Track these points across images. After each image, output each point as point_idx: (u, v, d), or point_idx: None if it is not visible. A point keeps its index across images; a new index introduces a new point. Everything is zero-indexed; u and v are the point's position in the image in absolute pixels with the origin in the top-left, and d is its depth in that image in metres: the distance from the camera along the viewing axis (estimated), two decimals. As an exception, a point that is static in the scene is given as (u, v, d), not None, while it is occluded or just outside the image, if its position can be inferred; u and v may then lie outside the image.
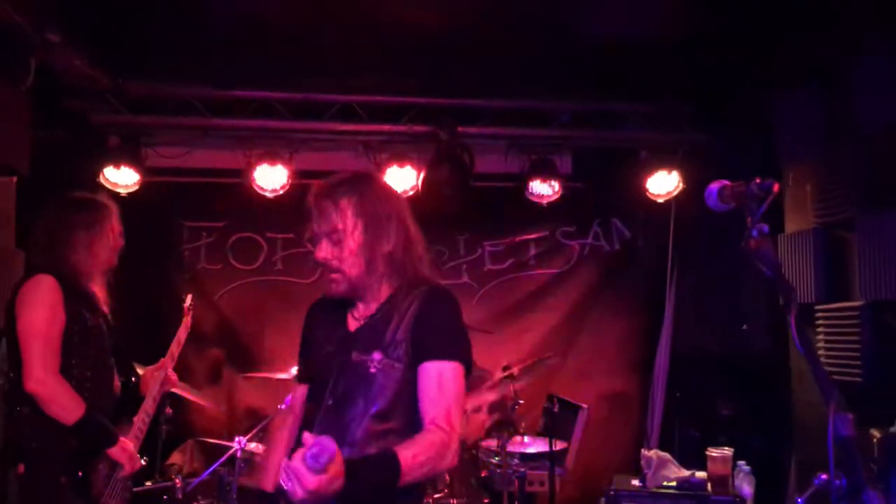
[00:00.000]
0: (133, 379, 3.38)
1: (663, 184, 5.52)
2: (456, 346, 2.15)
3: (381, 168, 5.31)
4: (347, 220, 2.17)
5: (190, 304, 3.94)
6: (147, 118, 5.12)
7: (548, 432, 4.25)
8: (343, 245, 2.17)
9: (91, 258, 3.11)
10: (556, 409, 4.23)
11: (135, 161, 5.13)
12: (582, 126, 5.50)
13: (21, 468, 2.89)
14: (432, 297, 2.18)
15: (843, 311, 4.01)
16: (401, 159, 5.27)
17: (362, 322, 2.24)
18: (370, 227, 2.18)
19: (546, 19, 4.30)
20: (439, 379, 2.07)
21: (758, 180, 1.56)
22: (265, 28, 4.32)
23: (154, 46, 4.59)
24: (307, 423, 2.20)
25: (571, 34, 4.44)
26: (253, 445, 4.04)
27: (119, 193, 5.03)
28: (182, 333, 3.73)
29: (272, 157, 5.21)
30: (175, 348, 3.64)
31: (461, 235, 5.97)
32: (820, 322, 4.20)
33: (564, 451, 4.63)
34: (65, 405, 2.90)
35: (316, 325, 2.38)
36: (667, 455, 4.16)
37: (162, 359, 3.54)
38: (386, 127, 5.27)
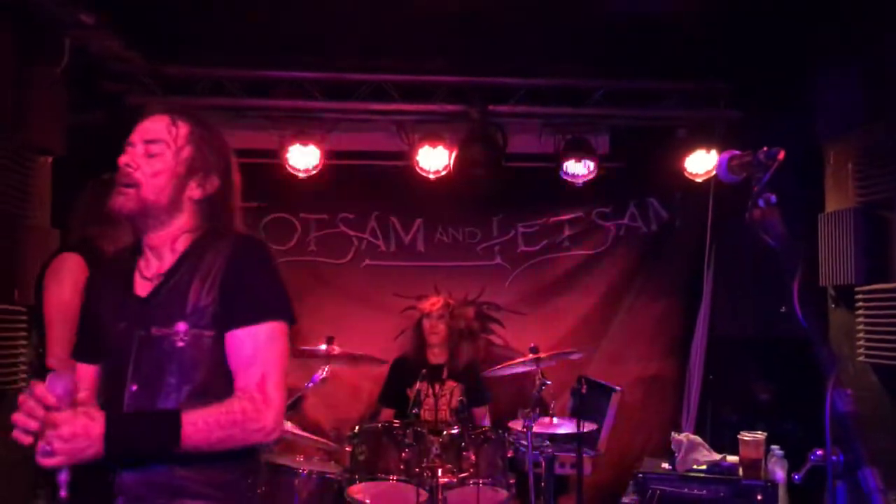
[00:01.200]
0: None
1: (702, 163, 5.39)
2: (269, 305, 1.89)
3: (413, 147, 5.29)
4: (178, 138, 1.93)
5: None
6: (181, 99, 5.15)
7: (576, 414, 4.20)
8: (157, 160, 1.90)
9: (121, 238, 3.15)
10: (584, 391, 4.17)
11: (170, 142, 5.18)
12: (618, 104, 5.40)
13: None
14: (241, 250, 1.91)
15: (885, 293, 3.88)
16: (433, 139, 5.24)
17: (156, 283, 1.92)
18: (196, 160, 1.95)
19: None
20: (253, 344, 1.83)
21: (765, 149, 1.50)
22: (297, 8, 4.32)
23: (188, 28, 4.62)
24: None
25: (606, 10, 4.35)
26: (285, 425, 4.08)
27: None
28: None
29: (305, 138, 5.22)
30: None
31: (494, 216, 5.93)
32: (860, 304, 4.07)
33: (596, 434, 4.58)
34: None
35: (100, 295, 2.01)
36: (698, 438, 4.09)
37: None
38: (418, 106, 5.25)
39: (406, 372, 4.83)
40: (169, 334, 1.84)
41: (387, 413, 4.92)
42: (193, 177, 1.94)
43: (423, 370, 4.50)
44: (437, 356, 4.96)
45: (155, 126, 1.94)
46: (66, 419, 1.62)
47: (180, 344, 1.83)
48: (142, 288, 1.93)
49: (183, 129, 1.94)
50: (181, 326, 1.84)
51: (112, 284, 1.99)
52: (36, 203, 4.11)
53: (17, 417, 1.64)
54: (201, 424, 1.72)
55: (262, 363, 1.83)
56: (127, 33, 4.52)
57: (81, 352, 2.07)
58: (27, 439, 1.63)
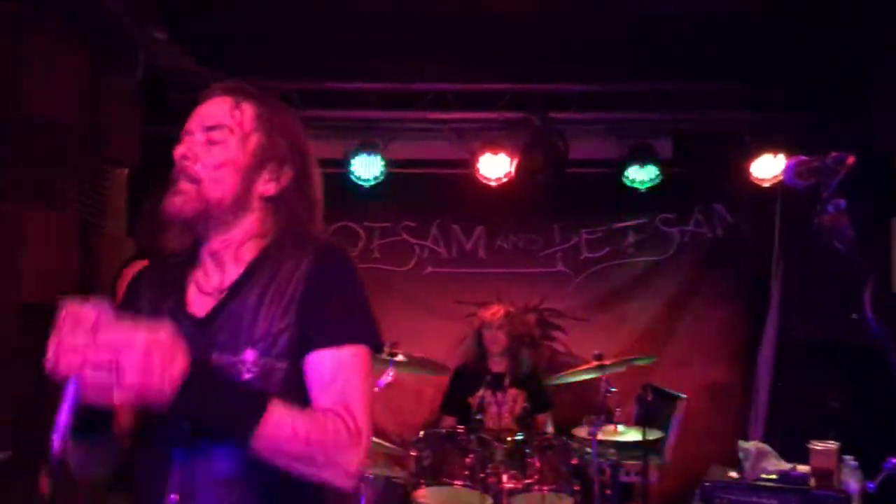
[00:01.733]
0: None
1: (768, 167, 5.29)
2: (356, 324, 1.56)
3: (474, 155, 5.32)
4: (244, 122, 1.59)
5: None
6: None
7: (642, 422, 4.16)
8: (222, 149, 1.56)
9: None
10: (649, 399, 4.14)
11: (238, 153, 5.32)
12: (682, 108, 5.33)
13: None
14: (324, 260, 1.56)
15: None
16: (494, 146, 5.27)
17: (217, 299, 1.55)
18: (266, 149, 1.60)
19: (641, -1, 4.21)
20: (335, 368, 1.50)
21: (833, 154, 1.48)
22: (359, 21, 4.41)
23: (252, 42, 4.75)
24: (149, 459, 1.51)
25: (668, 11, 4.32)
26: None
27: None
28: None
29: (368, 147, 5.31)
30: None
31: (556, 223, 5.92)
32: (936, 310, 3.94)
33: (662, 442, 4.54)
34: None
35: (141, 309, 1.60)
36: (766, 447, 4.01)
37: None
38: (478, 114, 5.28)
39: (467, 380, 4.85)
40: (235, 363, 1.47)
41: (448, 421, 4.95)
42: (264, 169, 1.60)
43: (487, 377, 4.52)
44: (498, 364, 4.97)
45: (216, 110, 1.59)
46: (142, 341, 1.25)
47: (247, 376, 1.47)
48: (199, 305, 1.56)
49: (249, 111, 1.60)
50: (249, 355, 1.48)
51: (160, 298, 1.61)
52: (112, 213, 4.27)
53: (64, 339, 1.24)
54: (288, 423, 1.38)
55: (347, 389, 1.49)
56: (196, 48, 4.67)
57: None
58: (72, 365, 1.24)
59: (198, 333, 1.48)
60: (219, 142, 1.56)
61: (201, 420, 1.38)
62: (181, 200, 1.52)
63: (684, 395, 4.77)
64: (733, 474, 3.97)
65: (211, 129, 1.56)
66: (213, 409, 1.36)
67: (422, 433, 4.08)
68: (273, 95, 1.71)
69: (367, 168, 5.34)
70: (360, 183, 5.36)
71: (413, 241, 5.90)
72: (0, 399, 3.17)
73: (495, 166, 5.29)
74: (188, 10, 4.28)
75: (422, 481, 3.91)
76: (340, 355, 1.51)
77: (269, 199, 1.62)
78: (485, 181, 5.34)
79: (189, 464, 1.45)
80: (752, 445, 4.00)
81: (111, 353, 1.23)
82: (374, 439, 4.14)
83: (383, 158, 5.31)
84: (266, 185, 1.61)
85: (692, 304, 5.80)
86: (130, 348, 1.23)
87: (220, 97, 1.61)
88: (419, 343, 5.01)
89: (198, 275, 1.61)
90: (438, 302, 5.80)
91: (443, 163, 5.67)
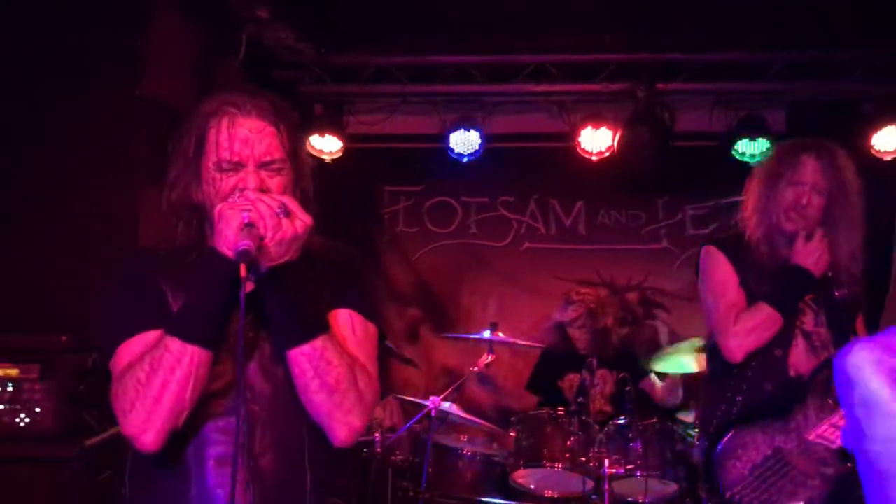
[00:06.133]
0: None
1: (891, 140, 4.97)
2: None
3: (575, 128, 5.18)
4: (287, 149, 1.68)
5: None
6: (349, 87, 5.31)
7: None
8: (286, 178, 1.68)
9: None
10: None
11: (338, 128, 5.35)
12: (798, 78, 5.06)
13: None
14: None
15: None
16: (596, 119, 5.11)
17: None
18: (301, 165, 1.75)
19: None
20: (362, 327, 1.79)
21: None
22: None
23: (354, 17, 4.74)
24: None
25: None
26: (447, 405, 4.13)
27: (324, 160, 5.28)
28: None
29: (466, 122, 5.24)
30: None
31: (660, 198, 5.72)
32: None
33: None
34: None
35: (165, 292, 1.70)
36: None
37: None
38: (580, 86, 5.14)
39: (555, 363, 4.77)
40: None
41: (532, 401, 4.88)
42: (303, 179, 1.77)
43: (589, 359, 4.44)
44: (587, 350, 4.85)
45: (266, 141, 1.66)
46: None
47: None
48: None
49: (286, 132, 1.70)
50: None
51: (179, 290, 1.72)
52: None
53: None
54: (339, 348, 1.64)
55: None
56: (298, 25, 4.69)
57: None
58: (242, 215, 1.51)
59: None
60: (279, 173, 1.66)
61: (284, 302, 1.61)
62: (292, 243, 1.57)
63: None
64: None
65: (269, 164, 1.65)
66: (294, 297, 1.61)
67: (521, 413, 4.03)
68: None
69: (465, 144, 5.27)
70: (457, 158, 5.30)
71: (511, 216, 5.83)
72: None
73: (597, 140, 5.14)
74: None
75: (521, 462, 3.87)
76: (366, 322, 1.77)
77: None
78: (586, 155, 5.19)
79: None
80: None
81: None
82: (473, 418, 4.13)
83: (482, 133, 5.24)
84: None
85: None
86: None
87: (258, 120, 1.65)
88: (515, 319, 4.98)
89: None
90: (535, 278, 5.71)
91: (543, 136, 5.54)
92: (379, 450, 4.14)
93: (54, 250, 3.46)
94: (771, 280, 2.68)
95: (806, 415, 2.52)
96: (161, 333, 1.57)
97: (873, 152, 5.02)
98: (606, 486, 3.70)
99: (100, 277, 1.80)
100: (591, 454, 3.75)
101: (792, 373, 2.64)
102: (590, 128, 5.12)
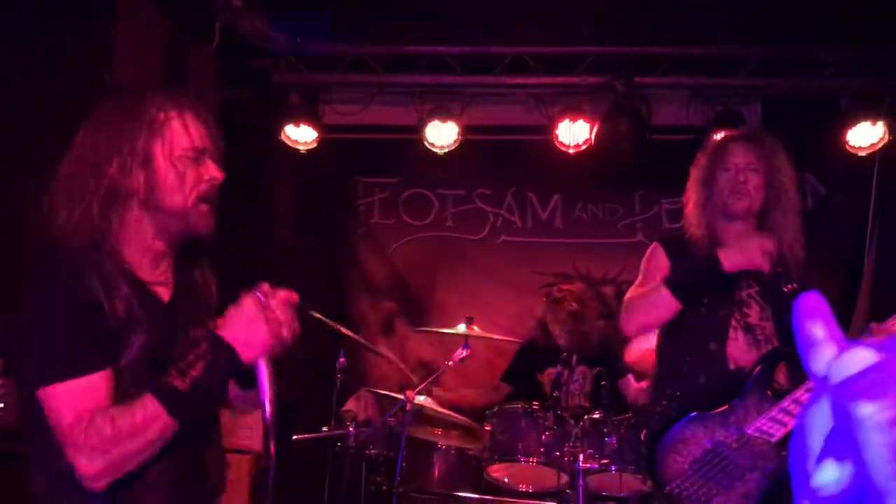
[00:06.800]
0: None
1: (866, 135, 5.00)
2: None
3: (553, 121, 5.16)
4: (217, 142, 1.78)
5: None
6: (325, 76, 5.25)
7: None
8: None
9: None
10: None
11: (313, 119, 5.29)
12: (774, 73, 5.07)
13: None
14: None
15: None
16: (574, 112, 5.09)
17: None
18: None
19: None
20: None
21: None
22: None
23: (328, 6, 4.67)
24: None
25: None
26: (422, 399, 4.10)
27: (299, 150, 5.21)
28: None
29: (443, 113, 5.19)
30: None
31: (636, 192, 5.72)
32: None
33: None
34: None
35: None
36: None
37: None
38: (558, 79, 5.11)
39: (535, 357, 4.75)
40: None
41: (505, 390, 4.86)
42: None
43: (564, 354, 4.42)
44: (569, 347, 4.84)
45: (209, 129, 1.76)
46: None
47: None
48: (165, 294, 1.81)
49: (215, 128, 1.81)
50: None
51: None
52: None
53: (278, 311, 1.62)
54: None
55: None
56: (272, 13, 4.62)
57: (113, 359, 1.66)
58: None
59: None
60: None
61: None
62: (209, 220, 1.75)
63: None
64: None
65: (205, 150, 1.72)
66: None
67: (496, 408, 4.01)
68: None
69: (441, 136, 5.23)
70: (434, 150, 5.26)
71: (487, 209, 5.79)
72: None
73: (574, 133, 5.12)
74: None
75: (496, 456, 3.85)
76: None
77: None
78: (563, 148, 5.17)
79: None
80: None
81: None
82: (448, 412, 4.10)
83: (458, 125, 5.20)
84: None
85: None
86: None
87: (205, 115, 1.76)
88: (492, 314, 4.95)
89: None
90: (512, 272, 5.68)
91: (520, 129, 5.51)
92: (352, 444, 4.10)
93: (20, 240, 3.39)
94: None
95: (746, 408, 2.49)
96: (104, 376, 1.56)
97: (849, 148, 5.06)
98: (581, 481, 3.69)
99: (37, 292, 1.66)
100: (565, 449, 3.73)
101: (732, 366, 2.62)
102: (567, 121, 5.11)
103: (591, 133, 5.08)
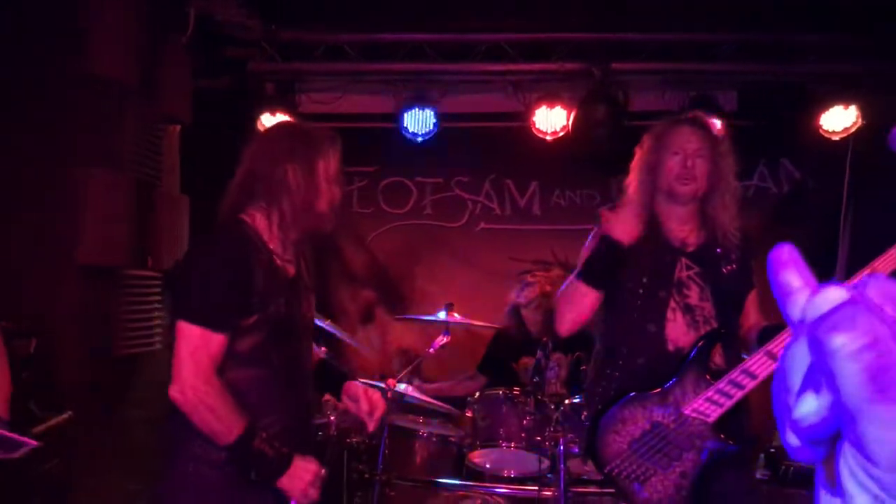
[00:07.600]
0: None
1: (839, 120, 5.05)
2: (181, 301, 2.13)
3: (530, 108, 5.16)
4: None
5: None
6: (301, 64, 5.21)
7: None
8: None
9: None
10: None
11: (290, 107, 5.25)
12: (749, 59, 5.10)
13: None
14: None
15: None
16: (551, 99, 5.10)
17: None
18: None
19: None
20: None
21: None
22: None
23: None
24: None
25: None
26: (402, 387, 4.11)
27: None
28: None
29: (421, 101, 5.18)
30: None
31: (614, 178, 5.72)
32: None
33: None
34: None
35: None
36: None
37: None
38: (536, 66, 5.11)
39: (509, 345, 4.77)
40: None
41: (482, 380, 4.87)
42: None
43: (544, 339, 4.43)
44: (540, 332, 4.86)
45: None
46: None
47: None
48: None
49: None
50: None
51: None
52: (166, 170, 4.24)
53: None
54: None
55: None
56: (248, 1, 4.57)
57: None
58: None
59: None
60: None
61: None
62: None
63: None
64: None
65: (339, 177, 2.40)
66: None
67: (477, 394, 4.02)
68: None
69: (419, 123, 5.22)
70: (412, 138, 5.25)
71: (466, 196, 5.80)
72: (58, 360, 3.18)
73: (552, 119, 5.13)
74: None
75: (477, 442, 3.87)
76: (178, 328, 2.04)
77: None
78: (540, 135, 5.18)
79: None
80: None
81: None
82: (429, 399, 4.11)
83: (436, 113, 5.19)
84: None
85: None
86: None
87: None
88: (471, 300, 4.95)
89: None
90: (491, 259, 5.70)
91: (497, 116, 5.51)
92: (334, 432, 4.10)
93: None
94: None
95: (684, 389, 2.51)
96: (220, 339, 2.01)
97: (822, 132, 5.10)
98: (562, 465, 3.72)
99: (221, 244, 2.10)
100: (546, 434, 3.76)
101: (670, 347, 2.62)
102: (544, 107, 5.11)
103: (568, 120, 5.09)
